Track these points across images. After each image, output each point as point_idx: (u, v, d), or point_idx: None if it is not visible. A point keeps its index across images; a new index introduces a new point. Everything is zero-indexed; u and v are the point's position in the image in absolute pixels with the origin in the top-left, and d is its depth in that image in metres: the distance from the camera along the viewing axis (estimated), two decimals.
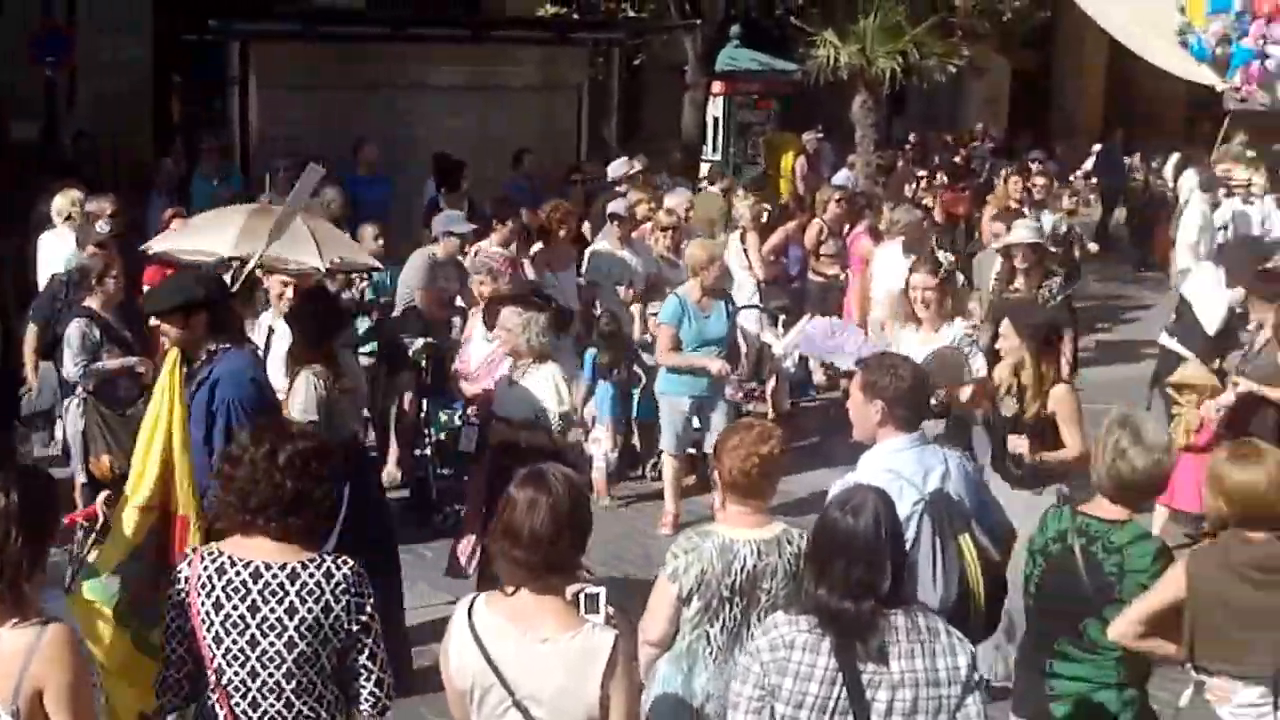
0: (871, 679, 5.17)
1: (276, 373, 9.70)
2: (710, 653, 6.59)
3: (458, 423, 12.08)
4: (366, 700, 5.68)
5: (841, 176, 22.65)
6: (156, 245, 11.49)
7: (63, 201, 14.27)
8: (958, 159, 26.89)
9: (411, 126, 20.84)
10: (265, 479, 5.57)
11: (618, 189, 17.93)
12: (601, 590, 5.37)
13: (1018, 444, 9.44)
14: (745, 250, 15.46)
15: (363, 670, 5.64)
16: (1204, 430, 11.45)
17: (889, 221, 15.90)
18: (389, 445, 13.60)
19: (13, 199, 15.35)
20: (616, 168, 18.98)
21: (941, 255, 11.95)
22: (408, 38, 21.50)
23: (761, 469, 6.57)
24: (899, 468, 6.96)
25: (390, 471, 13.44)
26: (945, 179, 23.37)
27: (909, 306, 11.16)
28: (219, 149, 19.42)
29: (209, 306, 7.93)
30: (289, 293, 10.72)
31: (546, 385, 9.87)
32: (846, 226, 17.22)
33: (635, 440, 14.04)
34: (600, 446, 13.35)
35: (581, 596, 5.32)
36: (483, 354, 11.12)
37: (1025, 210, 17.97)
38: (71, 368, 11.14)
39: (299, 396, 9.18)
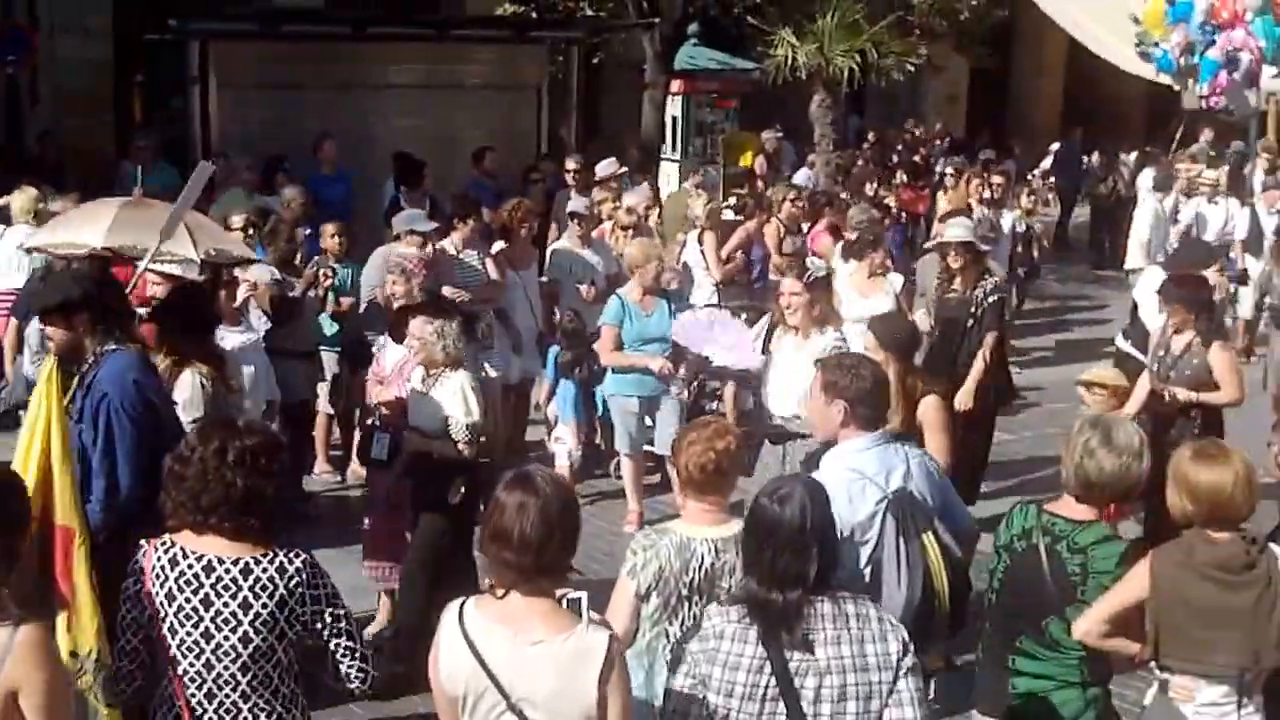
0: (799, 666, 5.22)
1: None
2: (670, 651, 6.60)
3: None
4: (355, 679, 5.77)
5: (802, 176, 22.71)
6: (30, 242, 11.42)
7: (22, 200, 14.25)
8: (917, 157, 26.93)
9: (371, 125, 20.80)
10: (216, 478, 5.57)
11: (609, 187, 18.08)
12: (583, 595, 5.34)
13: None
14: (702, 250, 15.48)
15: (346, 652, 5.72)
16: None
17: (850, 219, 15.98)
18: (353, 442, 13.58)
19: None
20: (604, 167, 19.01)
21: (810, 262, 11.74)
22: (367, 37, 21.45)
23: (718, 465, 6.56)
24: (861, 467, 7.00)
25: (355, 469, 13.42)
26: (904, 177, 23.45)
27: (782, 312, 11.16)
28: (151, 148, 19.31)
29: (89, 305, 7.75)
30: (159, 291, 10.50)
31: (455, 395, 9.69)
32: (807, 225, 17.26)
33: (599, 439, 14.05)
34: (564, 445, 13.35)
35: (564, 602, 5.31)
36: (395, 359, 10.85)
37: (983, 209, 18.10)
38: (29, 365, 11.14)
39: (184, 394, 9.07)
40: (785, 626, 5.22)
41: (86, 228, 10.27)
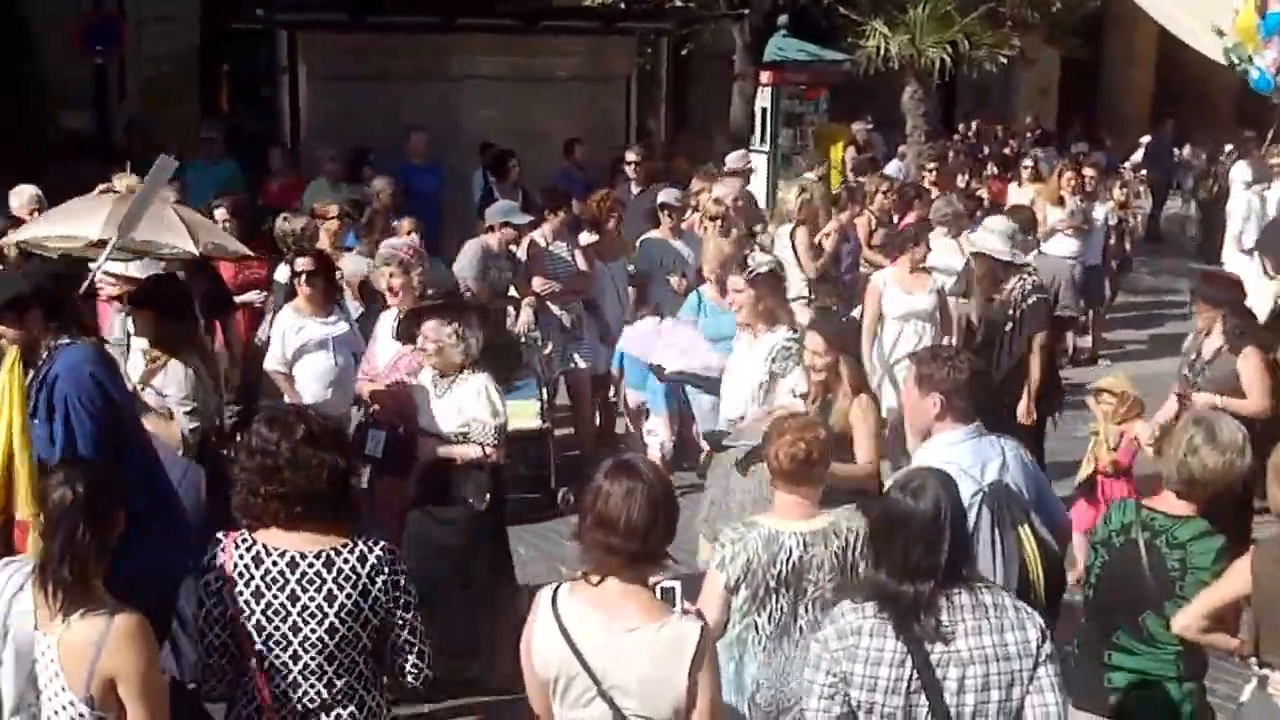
0: (940, 658, 5.20)
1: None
2: (759, 642, 6.66)
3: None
4: (410, 673, 5.77)
5: (893, 167, 22.57)
6: (19, 234, 11.31)
7: (130, 183, 14.36)
8: (1007, 149, 26.76)
9: (458, 116, 20.84)
10: (272, 473, 5.55)
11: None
12: (677, 584, 5.36)
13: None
14: (794, 246, 15.35)
15: (406, 645, 5.73)
16: (1125, 449, 10.56)
17: (934, 212, 15.85)
18: None
19: (65, 188, 15.28)
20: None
21: (754, 257, 11.18)
22: (455, 28, 21.47)
23: (809, 455, 6.64)
24: (957, 459, 6.94)
25: None
26: (995, 169, 23.29)
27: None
28: (216, 140, 19.31)
29: (40, 301, 7.55)
30: (111, 291, 10.25)
31: (479, 397, 9.21)
32: (896, 216, 17.16)
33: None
34: (656, 437, 13.22)
35: (658, 590, 5.31)
36: (389, 354, 10.45)
37: (1076, 201, 17.93)
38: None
39: (176, 384, 9.12)
40: (916, 618, 5.21)
41: (81, 220, 10.10)
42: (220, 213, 13.64)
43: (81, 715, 5.20)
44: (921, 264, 13.03)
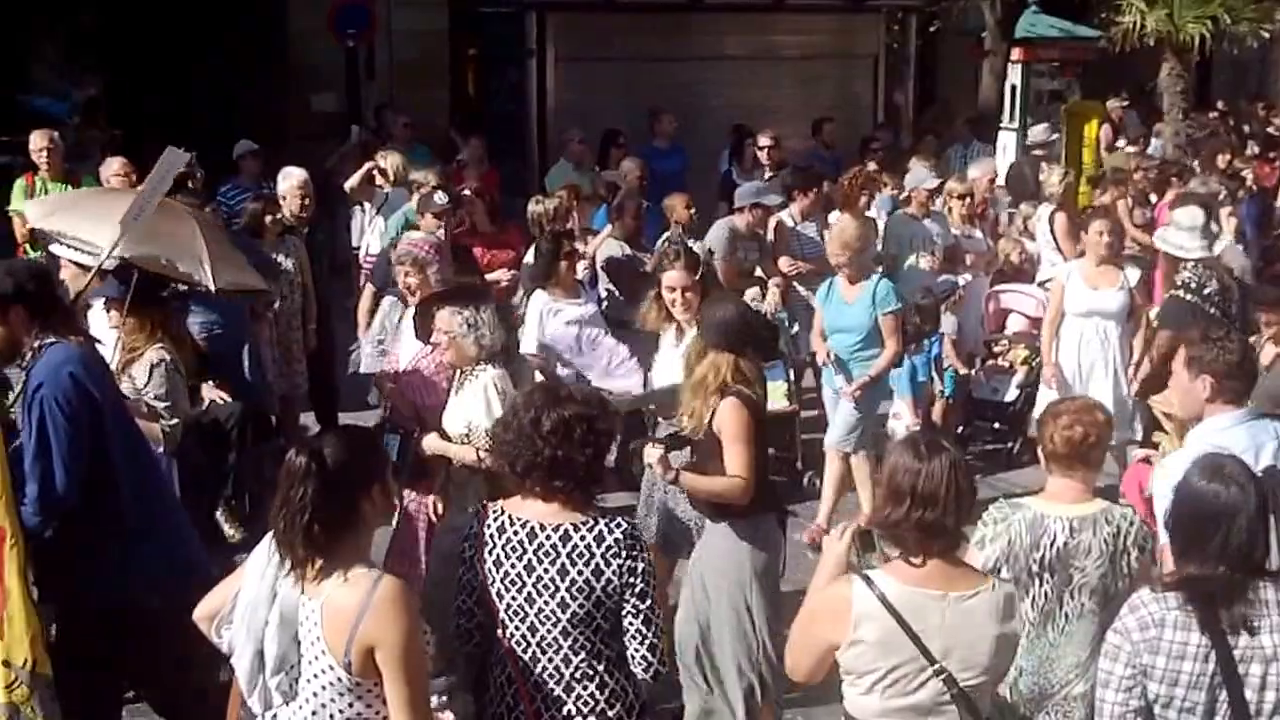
0: (1244, 653, 5.08)
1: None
2: (1022, 629, 6.41)
3: None
4: (639, 664, 5.71)
5: (1151, 147, 22.09)
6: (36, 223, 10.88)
7: (394, 159, 14.62)
8: (1271, 128, 25.95)
9: (705, 97, 20.88)
10: (526, 444, 5.64)
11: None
12: None
13: (650, 454, 7.82)
14: (1053, 231, 14.97)
15: (637, 634, 5.68)
16: None
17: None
18: None
19: (316, 169, 15.50)
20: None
21: (699, 247, 10.11)
22: (703, 8, 21.50)
23: (1085, 438, 6.45)
24: (1229, 444, 6.70)
25: None
26: (1257, 150, 22.59)
27: (664, 308, 9.62)
28: (411, 125, 19.36)
29: (24, 298, 7.32)
30: (67, 276, 9.95)
31: (478, 397, 8.44)
32: (1154, 196, 16.75)
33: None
34: (901, 421, 12.91)
35: None
36: (411, 353, 9.74)
37: None
38: (366, 346, 11.28)
39: (150, 379, 9.03)
40: (1224, 610, 5.10)
41: (96, 222, 9.46)
42: (468, 193, 13.84)
43: (340, 680, 5.21)
44: (1113, 258, 12.20)
